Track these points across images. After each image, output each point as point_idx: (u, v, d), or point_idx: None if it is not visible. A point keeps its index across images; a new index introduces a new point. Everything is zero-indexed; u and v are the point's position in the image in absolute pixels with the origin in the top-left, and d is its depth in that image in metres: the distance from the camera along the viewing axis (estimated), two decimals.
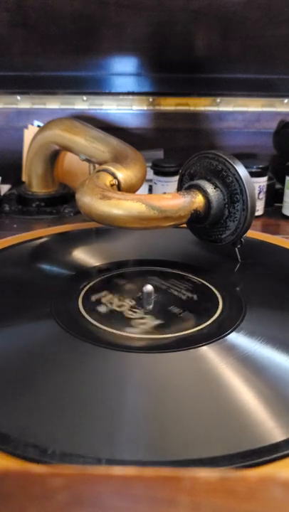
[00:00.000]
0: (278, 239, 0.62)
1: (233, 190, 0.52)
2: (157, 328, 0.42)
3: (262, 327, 0.43)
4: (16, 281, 0.52)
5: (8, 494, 0.19)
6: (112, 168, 0.57)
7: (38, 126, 0.87)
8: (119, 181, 0.57)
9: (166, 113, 0.91)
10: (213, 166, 0.53)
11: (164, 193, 0.77)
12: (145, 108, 0.91)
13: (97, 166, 0.68)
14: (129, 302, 0.47)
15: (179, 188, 0.57)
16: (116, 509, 0.19)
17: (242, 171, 0.52)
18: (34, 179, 0.80)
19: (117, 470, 0.21)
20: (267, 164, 0.76)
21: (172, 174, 0.77)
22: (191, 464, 0.28)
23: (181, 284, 0.51)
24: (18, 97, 0.91)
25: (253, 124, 0.91)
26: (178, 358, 0.38)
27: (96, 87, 0.90)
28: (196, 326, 0.43)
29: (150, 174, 0.77)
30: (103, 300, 0.47)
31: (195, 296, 0.48)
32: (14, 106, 0.91)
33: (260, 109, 0.91)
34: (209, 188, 0.52)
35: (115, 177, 0.57)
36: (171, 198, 0.51)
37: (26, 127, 0.86)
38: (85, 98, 0.91)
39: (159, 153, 0.90)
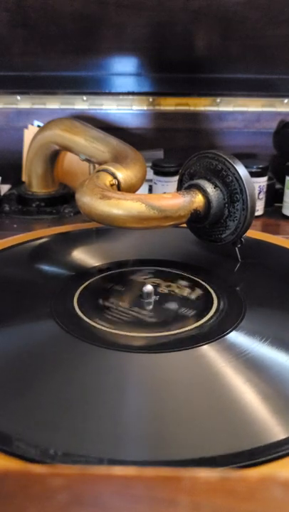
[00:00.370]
0: (278, 239, 0.62)
1: (233, 190, 0.52)
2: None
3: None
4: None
5: (8, 494, 0.19)
6: (111, 168, 0.57)
7: (38, 126, 0.87)
8: (119, 181, 0.57)
9: (166, 113, 0.91)
10: (213, 165, 0.53)
11: (164, 192, 0.77)
12: (145, 108, 0.91)
13: (97, 166, 0.68)
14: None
15: (179, 188, 0.57)
16: (116, 509, 0.19)
17: (242, 170, 0.52)
18: (34, 179, 0.80)
19: (117, 470, 0.21)
20: (267, 164, 0.76)
21: (172, 174, 0.77)
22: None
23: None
24: (18, 97, 0.91)
25: (253, 124, 0.91)
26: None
27: (96, 87, 0.90)
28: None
29: (150, 174, 0.77)
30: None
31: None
32: (14, 106, 0.91)
33: (260, 109, 0.91)
34: (209, 188, 0.52)
35: (115, 177, 0.57)
36: (170, 198, 0.51)
37: (26, 127, 0.86)
38: (85, 98, 0.91)
39: (159, 153, 0.90)
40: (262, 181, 0.76)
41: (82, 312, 0.45)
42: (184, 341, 0.40)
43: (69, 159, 0.83)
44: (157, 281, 0.51)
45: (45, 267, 0.56)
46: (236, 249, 0.55)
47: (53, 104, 0.91)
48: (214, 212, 0.53)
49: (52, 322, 0.43)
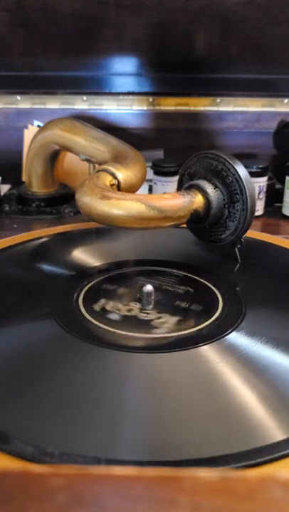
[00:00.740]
0: (278, 239, 0.62)
1: (233, 190, 0.52)
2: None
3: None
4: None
5: (8, 494, 0.19)
6: (111, 168, 0.57)
7: (38, 126, 0.87)
8: (119, 181, 0.57)
9: (166, 113, 0.91)
10: (213, 166, 0.53)
11: (164, 193, 0.77)
12: (145, 108, 0.91)
13: (97, 166, 0.68)
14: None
15: (179, 188, 0.57)
16: (116, 509, 0.19)
17: (242, 171, 0.52)
18: (34, 179, 0.80)
19: (117, 470, 0.21)
20: (267, 164, 0.76)
21: (172, 174, 0.77)
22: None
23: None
24: (18, 97, 0.91)
25: (253, 124, 0.91)
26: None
27: (96, 87, 0.90)
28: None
29: (150, 174, 0.77)
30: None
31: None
32: (14, 106, 0.91)
33: (260, 109, 0.91)
34: (209, 188, 0.52)
35: (115, 177, 0.57)
36: (170, 198, 0.51)
37: (26, 127, 0.86)
38: (85, 98, 0.91)
39: (159, 153, 0.90)
40: (262, 181, 0.76)
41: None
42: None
43: (69, 159, 0.83)
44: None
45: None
46: (236, 249, 0.55)
47: (53, 104, 0.91)
48: (214, 213, 0.53)
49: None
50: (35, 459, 0.29)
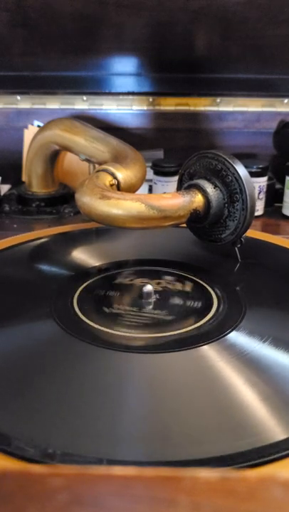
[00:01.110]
0: (278, 239, 0.62)
1: (233, 190, 0.52)
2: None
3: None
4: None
5: (8, 494, 0.19)
6: (111, 168, 0.57)
7: (38, 126, 0.87)
8: (118, 181, 0.57)
9: (166, 113, 0.91)
10: (213, 165, 0.53)
11: (164, 192, 0.77)
12: (145, 108, 0.91)
13: (97, 166, 0.68)
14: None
15: (179, 188, 0.57)
16: (116, 509, 0.19)
17: (241, 170, 0.52)
18: (34, 179, 0.80)
19: (117, 470, 0.21)
20: (267, 164, 0.76)
21: (172, 174, 0.77)
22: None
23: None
24: (18, 97, 0.91)
25: (253, 124, 0.91)
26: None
27: (96, 87, 0.90)
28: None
29: (150, 174, 0.77)
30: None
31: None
32: (14, 106, 0.91)
33: (260, 109, 0.91)
34: (209, 188, 0.52)
35: (115, 177, 0.57)
36: (170, 198, 0.50)
37: (26, 127, 0.86)
38: (85, 98, 0.91)
39: (159, 153, 0.90)
40: (262, 181, 0.76)
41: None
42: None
43: (69, 159, 0.83)
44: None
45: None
46: (236, 249, 0.55)
47: (53, 104, 0.91)
48: (214, 212, 0.53)
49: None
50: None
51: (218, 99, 0.91)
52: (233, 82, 0.89)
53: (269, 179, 0.78)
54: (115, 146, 0.67)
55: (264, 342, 0.40)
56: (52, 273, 0.54)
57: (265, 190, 0.77)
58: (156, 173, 0.78)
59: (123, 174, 0.58)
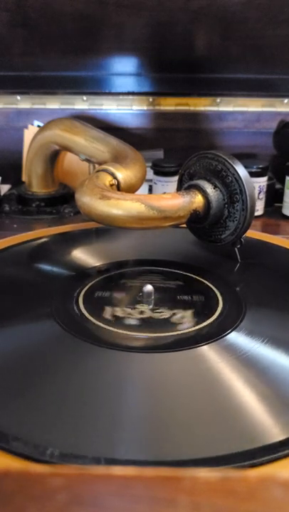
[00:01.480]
0: (278, 239, 0.62)
1: (233, 190, 0.52)
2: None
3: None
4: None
5: (8, 494, 0.19)
6: (111, 168, 0.57)
7: (38, 126, 0.87)
8: (118, 181, 0.57)
9: (166, 113, 0.91)
10: (213, 166, 0.53)
11: (164, 193, 0.77)
12: (145, 108, 0.91)
13: (97, 166, 0.68)
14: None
15: (179, 188, 0.57)
16: (116, 509, 0.19)
17: (241, 170, 0.52)
18: (34, 179, 0.80)
19: (117, 470, 0.21)
20: (267, 164, 0.76)
21: (172, 174, 0.77)
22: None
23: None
24: (18, 97, 0.91)
25: (253, 124, 0.91)
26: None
27: (96, 87, 0.90)
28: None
29: (150, 174, 0.77)
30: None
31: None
32: (14, 106, 0.91)
33: (260, 109, 0.91)
34: (209, 188, 0.52)
35: (115, 177, 0.57)
36: (170, 198, 0.51)
37: (26, 127, 0.86)
38: (85, 98, 0.91)
39: (159, 153, 0.90)
40: (262, 181, 0.76)
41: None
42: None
43: (69, 159, 0.83)
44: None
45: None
46: (236, 249, 0.55)
47: (53, 104, 0.91)
48: (214, 213, 0.53)
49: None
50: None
51: (218, 99, 0.91)
52: (233, 82, 0.89)
53: (269, 179, 0.78)
54: (115, 146, 0.67)
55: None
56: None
57: (265, 190, 0.77)
58: (156, 173, 0.78)
59: (123, 174, 0.58)
